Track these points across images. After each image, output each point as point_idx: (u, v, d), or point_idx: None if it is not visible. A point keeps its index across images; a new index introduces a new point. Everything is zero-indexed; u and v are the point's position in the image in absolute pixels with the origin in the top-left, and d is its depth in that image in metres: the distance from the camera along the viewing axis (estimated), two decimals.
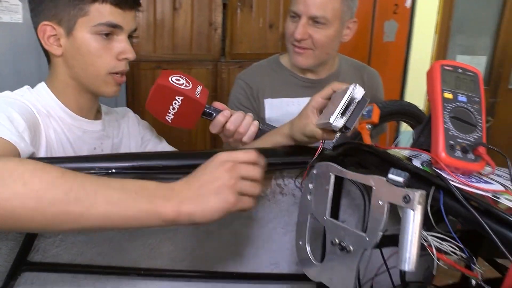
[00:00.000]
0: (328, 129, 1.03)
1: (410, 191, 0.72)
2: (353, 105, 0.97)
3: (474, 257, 0.81)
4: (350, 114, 0.97)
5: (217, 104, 1.32)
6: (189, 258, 1.22)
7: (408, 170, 0.93)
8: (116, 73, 1.21)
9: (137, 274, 1.17)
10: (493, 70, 4.40)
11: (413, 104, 1.81)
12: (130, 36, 1.22)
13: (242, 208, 0.81)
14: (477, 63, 4.21)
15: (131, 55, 1.20)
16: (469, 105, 1.00)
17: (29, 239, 1.04)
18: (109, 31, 1.15)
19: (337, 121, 0.96)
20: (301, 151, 1.17)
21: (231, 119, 1.28)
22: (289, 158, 1.16)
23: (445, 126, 0.96)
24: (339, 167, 0.89)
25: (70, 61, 1.18)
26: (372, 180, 0.79)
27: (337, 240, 0.87)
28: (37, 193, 0.69)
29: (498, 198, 0.86)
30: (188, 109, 1.24)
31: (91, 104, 1.29)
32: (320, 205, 0.93)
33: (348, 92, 0.96)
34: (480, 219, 0.78)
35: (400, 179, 0.74)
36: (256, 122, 1.32)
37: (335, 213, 1.26)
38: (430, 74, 1.03)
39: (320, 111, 1.11)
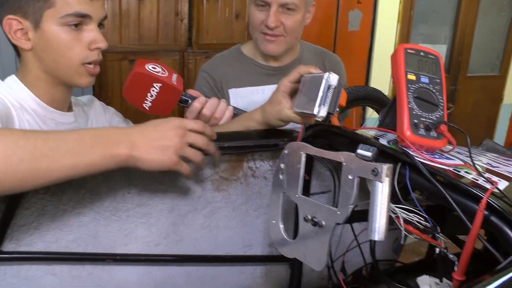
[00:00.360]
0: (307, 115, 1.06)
1: (378, 164, 0.76)
2: (331, 91, 1.01)
3: (437, 227, 0.86)
4: (330, 101, 1.00)
5: (192, 92, 1.34)
6: (164, 243, 1.23)
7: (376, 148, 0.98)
8: (89, 63, 1.19)
9: (113, 259, 1.18)
10: (452, 59, 4.53)
11: (378, 89, 1.86)
12: (100, 24, 1.19)
13: (181, 170, 0.95)
14: (438, 52, 4.32)
15: (102, 44, 1.17)
16: (431, 86, 1.04)
17: (1, 227, 1.04)
18: (78, 21, 1.12)
19: (321, 111, 1.00)
20: (273, 134, 1.20)
21: (206, 105, 1.31)
22: (261, 141, 1.19)
23: (409, 106, 1.00)
24: (310, 146, 0.92)
25: (41, 54, 1.15)
26: (342, 156, 0.83)
27: (309, 216, 0.90)
28: (4, 155, 0.74)
29: (459, 171, 0.90)
30: (166, 96, 1.24)
31: (64, 96, 1.26)
32: (292, 183, 0.96)
33: (324, 81, 0.99)
34: (444, 191, 0.83)
35: (368, 154, 0.78)
36: (231, 107, 1.34)
37: (306, 192, 1.30)
38: (394, 57, 1.07)
39: (290, 94, 1.14)
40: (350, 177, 0.80)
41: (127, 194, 1.14)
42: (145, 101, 1.24)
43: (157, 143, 0.90)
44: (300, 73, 1.09)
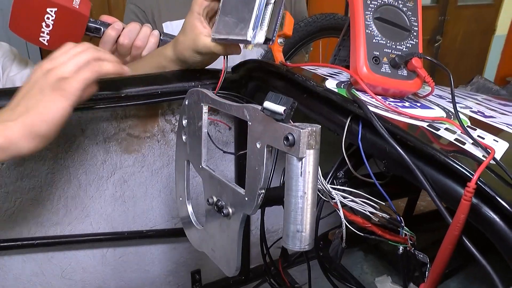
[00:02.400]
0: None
1: (294, 127, 0.44)
2: (270, 8, 0.69)
3: (402, 218, 0.55)
4: (269, 22, 0.68)
5: (105, 17, 1.01)
6: (65, 221, 0.94)
7: (316, 94, 0.66)
8: None
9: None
10: None
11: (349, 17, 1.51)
12: None
13: (81, 80, 0.65)
14: None
15: None
16: (400, 2, 0.71)
17: None
18: None
19: (258, 35, 0.68)
20: (194, 75, 0.88)
21: (124, 31, 0.99)
22: (176, 85, 0.86)
23: (368, 31, 0.67)
24: (210, 94, 0.59)
25: None
26: (246, 111, 0.50)
27: (214, 198, 0.59)
28: None
29: (437, 129, 0.59)
30: (67, 24, 0.95)
31: None
32: (195, 148, 0.64)
33: None
34: (409, 160, 0.52)
35: (279, 109, 0.45)
36: (156, 32, 1.02)
37: (242, 165, 0.99)
38: None
39: (208, 17, 0.81)
40: (258, 145, 0.48)
41: (1, 166, 0.83)
42: (41, 34, 0.95)
43: (30, 95, 0.64)
44: None
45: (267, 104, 0.46)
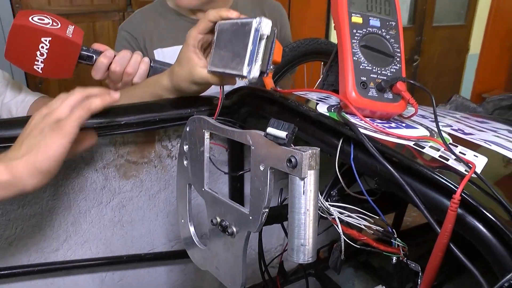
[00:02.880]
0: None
1: (296, 150, 0.48)
2: (263, 43, 0.72)
3: (394, 230, 0.60)
4: (263, 56, 0.72)
5: (97, 45, 1.05)
6: (65, 247, 0.96)
7: (309, 118, 0.71)
8: None
9: None
10: (417, 8, 4.24)
11: (333, 42, 1.57)
12: None
13: (75, 119, 0.71)
14: (402, 0, 4.02)
15: None
16: (383, 30, 0.76)
17: None
18: None
19: (253, 70, 0.71)
20: (189, 102, 0.92)
21: (115, 59, 1.03)
22: (173, 112, 0.90)
23: (355, 58, 0.73)
24: (210, 120, 0.64)
25: None
26: (249, 136, 0.54)
27: (218, 219, 0.63)
28: None
29: (422, 147, 0.64)
30: (61, 52, 0.97)
31: None
32: (197, 172, 0.68)
33: (253, 30, 0.71)
34: (399, 177, 0.56)
35: (281, 134, 0.50)
36: (146, 59, 1.06)
37: (236, 187, 1.03)
38: None
39: (203, 49, 0.85)
40: (261, 168, 0.53)
41: None
42: (36, 62, 0.97)
43: (33, 136, 0.70)
44: (211, 20, 0.80)
45: (270, 130, 0.50)
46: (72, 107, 0.73)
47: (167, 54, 1.41)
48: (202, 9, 1.40)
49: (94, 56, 1.02)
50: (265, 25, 0.71)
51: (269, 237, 1.17)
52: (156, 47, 1.42)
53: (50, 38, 0.95)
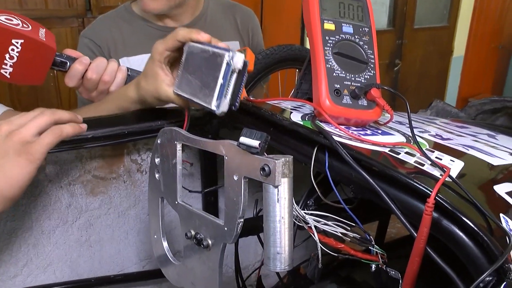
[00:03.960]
0: None
1: (269, 159, 0.53)
2: (234, 76, 0.75)
3: (371, 237, 0.64)
4: (233, 90, 0.75)
5: (70, 51, 1.07)
6: (25, 272, 0.97)
7: (283, 127, 0.75)
8: None
9: None
10: (397, 10, 4.35)
11: (307, 48, 1.62)
12: None
13: (45, 145, 0.72)
14: (381, 3, 4.14)
15: None
16: (356, 37, 0.82)
17: None
18: None
19: (222, 105, 0.73)
20: (158, 114, 0.96)
21: (91, 66, 1.05)
22: (141, 125, 0.93)
23: (328, 65, 0.78)
24: (183, 132, 0.68)
25: None
26: (222, 146, 0.59)
27: (192, 232, 0.67)
28: None
29: (397, 153, 0.69)
30: (33, 57, 0.97)
31: None
32: (169, 185, 0.72)
33: (225, 64, 0.73)
34: (373, 183, 0.61)
35: (254, 143, 0.54)
36: (123, 67, 1.10)
37: (209, 200, 1.07)
38: (306, 1, 0.83)
39: (170, 63, 0.88)
40: (235, 177, 0.57)
41: None
42: (4, 66, 0.95)
43: None
44: (179, 40, 0.83)
45: (243, 139, 0.55)
46: (41, 130, 0.73)
47: (133, 63, 1.44)
48: (169, 15, 1.44)
49: (68, 62, 1.04)
50: (237, 60, 0.73)
51: (246, 253, 1.20)
52: (122, 55, 1.44)
53: (22, 41, 0.94)
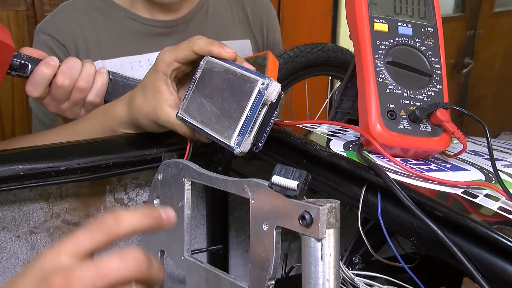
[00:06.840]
0: None
1: (311, 204, 0.58)
2: (264, 110, 0.79)
3: None
4: (259, 126, 0.79)
5: (30, 51, 1.12)
6: None
7: (320, 160, 0.81)
8: None
9: None
10: None
11: (344, 48, 1.68)
12: None
13: None
14: None
15: None
16: (417, 40, 0.88)
17: None
18: None
19: (243, 145, 0.78)
20: (153, 140, 1.01)
21: (61, 68, 1.10)
22: (131, 154, 0.99)
23: (379, 79, 0.83)
24: (195, 167, 0.74)
25: None
26: (247, 186, 0.65)
27: None
28: None
29: (474, 196, 0.74)
30: None
31: None
32: (174, 234, 0.78)
33: (256, 92, 0.77)
34: (444, 236, 0.67)
35: (292, 184, 0.60)
36: (103, 70, 1.15)
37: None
38: None
39: (177, 78, 0.94)
40: (264, 227, 0.63)
41: None
42: None
43: None
44: (195, 51, 0.89)
45: (276, 178, 0.60)
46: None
47: (110, 68, 1.49)
48: (166, 5, 1.50)
49: (29, 64, 1.09)
50: (272, 89, 0.77)
51: None
52: (95, 58, 1.46)
53: None
